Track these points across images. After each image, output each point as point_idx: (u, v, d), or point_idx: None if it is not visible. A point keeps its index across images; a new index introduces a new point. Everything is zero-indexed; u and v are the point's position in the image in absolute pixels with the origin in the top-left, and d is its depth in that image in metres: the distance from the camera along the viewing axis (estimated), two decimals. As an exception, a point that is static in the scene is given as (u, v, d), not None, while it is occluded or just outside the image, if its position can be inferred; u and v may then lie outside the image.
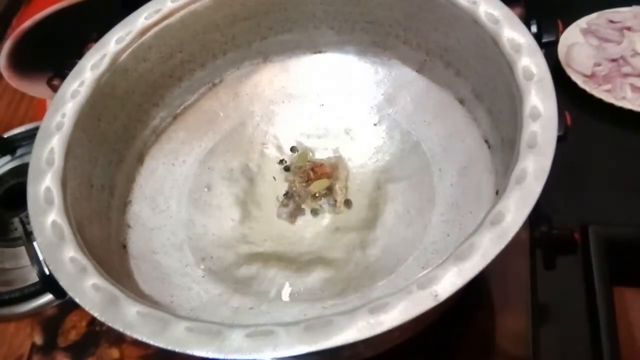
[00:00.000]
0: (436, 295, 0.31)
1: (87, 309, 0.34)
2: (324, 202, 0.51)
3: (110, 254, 0.44)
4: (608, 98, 0.59)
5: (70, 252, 0.37)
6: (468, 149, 0.48)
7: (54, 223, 0.39)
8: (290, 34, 0.55)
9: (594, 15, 0.67)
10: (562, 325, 0.46)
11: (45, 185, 0.41)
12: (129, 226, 0.48)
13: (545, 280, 0.47)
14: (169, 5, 0.49)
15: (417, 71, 0.53)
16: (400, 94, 0.53)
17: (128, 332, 0.33)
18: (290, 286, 0.46)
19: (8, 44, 0.64)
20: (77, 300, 0.35)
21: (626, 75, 0.60)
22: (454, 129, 0.50)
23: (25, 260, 0.54)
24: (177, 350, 0.32)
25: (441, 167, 0.49)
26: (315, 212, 0.51)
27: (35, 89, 0.70)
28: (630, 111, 0.58)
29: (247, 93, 0.56)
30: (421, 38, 0.50)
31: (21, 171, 0.68)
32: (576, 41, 0.64)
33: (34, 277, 0.58)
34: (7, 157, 0.70)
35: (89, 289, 0.35)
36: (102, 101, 0.47)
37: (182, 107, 0.55)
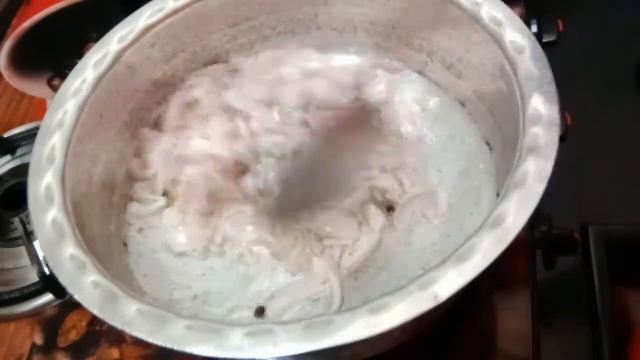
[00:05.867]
0: (436, 296, 0.31)
1: (86, 306, 0.34)
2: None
3: (110, 252, 0.44)
4: None
5: (70, 249, 0.37)
6: (469, 150, 0.48)
7: (54, 220, 0.39)
8: (293, 34, 0.55)
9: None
10: (562, 326, 0.46)
11: (45, 183, 0.41)
12: (130, 224, 0.48)
13: (545, 280, 0.47)
14: (172, 4, 0.49)
15: (418, 72, 0.53)
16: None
17: (127, 330, 0.33)
18: (291, 286, 0.46)
19: (8, 44, 0.63)
20: (76, 297, 0.35)
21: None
22: (455, 130, 0.50)
23: (25, 260, 0.54)
24: (175, 348, 0.32)
25: (441, 168, 0.49)
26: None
27: (35, 88, 0.70)
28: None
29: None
30: (423, 40, 0.50)
31: (21, 171, 0.68)
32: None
33: (34, 277, 0.58)
34: (7, 157, 0.70)
35: (88, 286, 0.35)
36: (104, 99, 0.47)
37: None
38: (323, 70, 0.54)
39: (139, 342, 0.49)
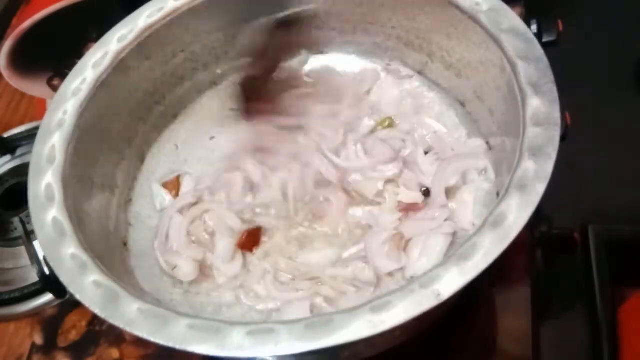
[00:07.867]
0: (438, 295, 0.31)
1: (87, 305, 0.34)
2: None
3: (111, 252, 0.44)
4: None
5: (71, 248, 0.37)
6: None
7: (54, 219, 0.39)
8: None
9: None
10: (562, 325, 0.46)
11: (46, 182, 0.41)
12: (130, 224, 0.49)
13: (545, 280, 0.47)
14: (171, 5, 0.49)
15: (418, 72, 0.53)
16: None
17: (129, 329, 0.33)
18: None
19: (8, 44, 0.63)
20: (77, 296, 0.35)
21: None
22: (455, 129, 0.50)
23: (25, 260, 0.54)
24: (177, 347, 0.32)
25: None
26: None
27: (35, 88, 0.70)
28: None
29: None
30: (423, 40, 0.50)
31: (21, 171, 0.68)
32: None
33: (34, 277, 0.57)
34: (7, 157, 0.70)
35: (89, 286, 0.35)
36: (104, 99, 0.47)
37: (184, 106, 0.55)
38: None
39: (138, 342, 0.49)
